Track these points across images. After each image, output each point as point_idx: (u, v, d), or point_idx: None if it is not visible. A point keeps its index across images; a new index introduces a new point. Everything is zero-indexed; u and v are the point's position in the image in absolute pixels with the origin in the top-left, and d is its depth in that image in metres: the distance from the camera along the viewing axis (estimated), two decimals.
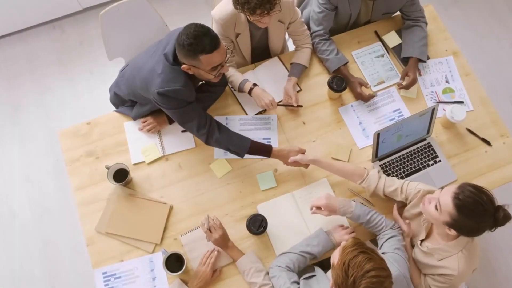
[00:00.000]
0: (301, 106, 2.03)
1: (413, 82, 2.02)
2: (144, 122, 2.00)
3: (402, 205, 1.78)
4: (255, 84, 1.99)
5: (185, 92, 1.69)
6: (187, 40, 1.54)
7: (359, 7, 2.08)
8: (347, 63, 2.08)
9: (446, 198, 1.43)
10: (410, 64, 2.05)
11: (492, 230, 1.43)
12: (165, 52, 1.66)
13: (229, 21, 1.90)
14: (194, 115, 1.77)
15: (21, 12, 2.98)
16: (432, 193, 1.60)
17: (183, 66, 1.64)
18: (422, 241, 1.65)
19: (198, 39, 1.54)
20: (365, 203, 1.88)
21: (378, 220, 1.71)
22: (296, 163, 1.85)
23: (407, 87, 2.02)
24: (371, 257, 1.26)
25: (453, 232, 1.47)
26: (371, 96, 2.02)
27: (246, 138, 1.84)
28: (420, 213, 1.65)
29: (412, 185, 1.68)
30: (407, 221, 1.72)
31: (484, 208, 1.38)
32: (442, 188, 1.52)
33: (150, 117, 1.99)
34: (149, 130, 1.99)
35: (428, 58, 2.15)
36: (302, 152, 1.87)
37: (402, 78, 2.06)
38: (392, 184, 1.72)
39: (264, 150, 1.85)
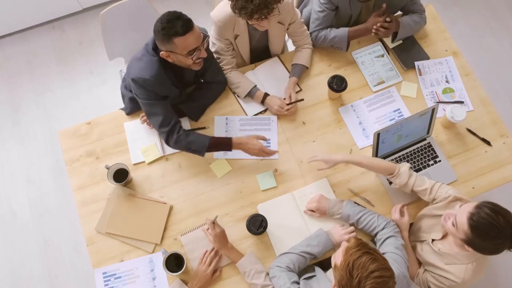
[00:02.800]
0: (302, 100, 2.01)
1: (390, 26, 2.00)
2: (144, 117, 1.99)
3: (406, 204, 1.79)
4: (266, 94, 2.01)
5: (154, 83, 1.72)
6: (161, 25, 1.60)
7: (360, 8, 2.08)
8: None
9: (462, 217, 1.42)
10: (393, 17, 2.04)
11: (511, 250, 1.40)
12: (147, 43, 1.73)
13: (228, 23, 1.90)
14: (161, 111, 1.79)
15: (21, 12, 2.98)
16: (462, 201, 1.59)
17: (162, 53, 1.68)
18: (433, 239, 1.65)
19: (171, 23, 1.59)
20: (365, 203, 1.88)
21: (369, 220, 1.71)
22: (322, 163, 1.80)
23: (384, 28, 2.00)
24: (375, 257, 1.26)
25: (470, 249, 1.45)
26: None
27: (206, 136, 1.85)
28: (440, 216, 1.63)
29: (443, 189, 1.66)
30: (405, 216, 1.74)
31: (499, 230, 1.35)
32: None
33: None
34: (149, 124, 1.99)
35: (428, 58, 2.15)
36: (263, 139, 1.87)
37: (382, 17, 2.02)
38: (422, 184, 1.70)
39: (224, 143, 1.85)
